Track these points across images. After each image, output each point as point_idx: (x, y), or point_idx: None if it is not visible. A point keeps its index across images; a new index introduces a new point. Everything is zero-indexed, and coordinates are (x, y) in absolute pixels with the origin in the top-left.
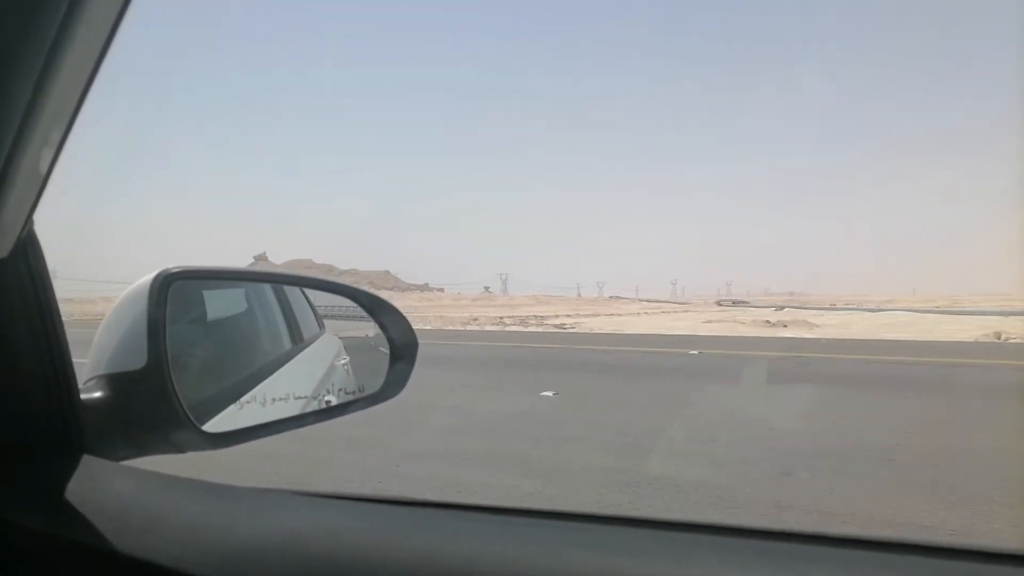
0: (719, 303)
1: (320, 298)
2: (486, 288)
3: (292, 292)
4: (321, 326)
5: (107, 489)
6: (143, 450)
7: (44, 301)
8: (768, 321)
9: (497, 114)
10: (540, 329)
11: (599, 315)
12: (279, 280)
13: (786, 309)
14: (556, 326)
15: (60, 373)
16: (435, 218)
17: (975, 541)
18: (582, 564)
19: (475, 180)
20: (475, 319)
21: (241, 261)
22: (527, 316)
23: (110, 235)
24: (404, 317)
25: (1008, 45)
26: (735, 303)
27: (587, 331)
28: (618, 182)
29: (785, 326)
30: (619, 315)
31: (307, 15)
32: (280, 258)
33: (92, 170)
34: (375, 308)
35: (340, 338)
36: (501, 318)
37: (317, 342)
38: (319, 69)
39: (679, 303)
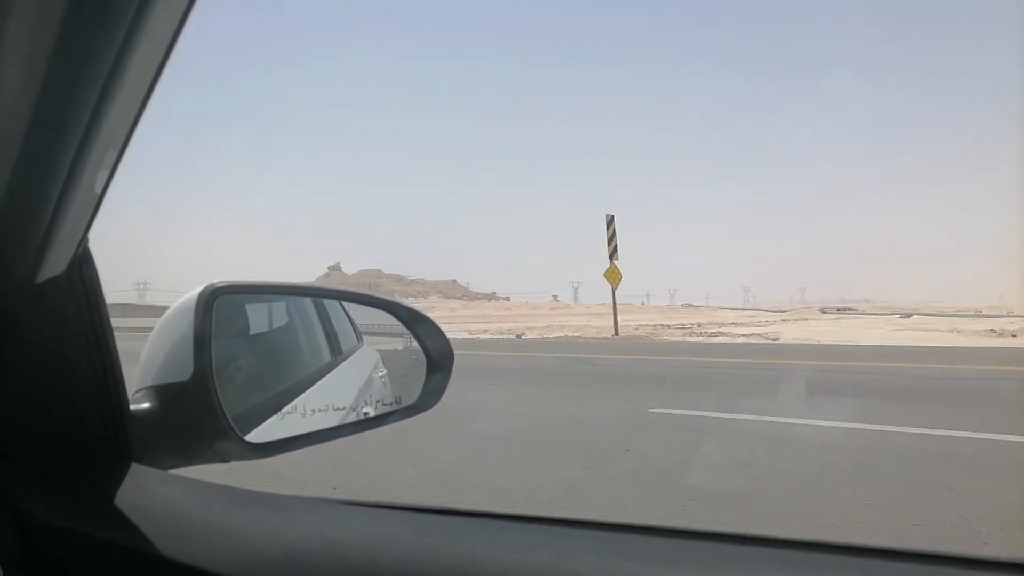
0: (823, 311)
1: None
2: (554, 296)
3: (332, 306)
4: (360, 339)
5: (154, 496)
6: (189, 459)
7: (97, 315)
8: (992, 330)
9: (553, 121)
10: (750, 341)
11: (767, 324)
12: (319, 294)
13: (914, 316)
14: (761, 336)
15: (111, 384)
16: (499, 227)
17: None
18: (618, 574)
19: (538, 188)
20: (637, 329)
21: (315, 271)
22: (673, 324)
23: (182, 248)
24: (441, 331)
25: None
26: (840, 310)
27: (814, 343)
28: (680, 186)
29: (1014, 336)
30: (774, 323)
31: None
32: (352, 268)
33: (156, 184)
34: (412, 321)
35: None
36: (678, 326)
37: (355, 355)
38: (379, 75)
39: (779, 311)
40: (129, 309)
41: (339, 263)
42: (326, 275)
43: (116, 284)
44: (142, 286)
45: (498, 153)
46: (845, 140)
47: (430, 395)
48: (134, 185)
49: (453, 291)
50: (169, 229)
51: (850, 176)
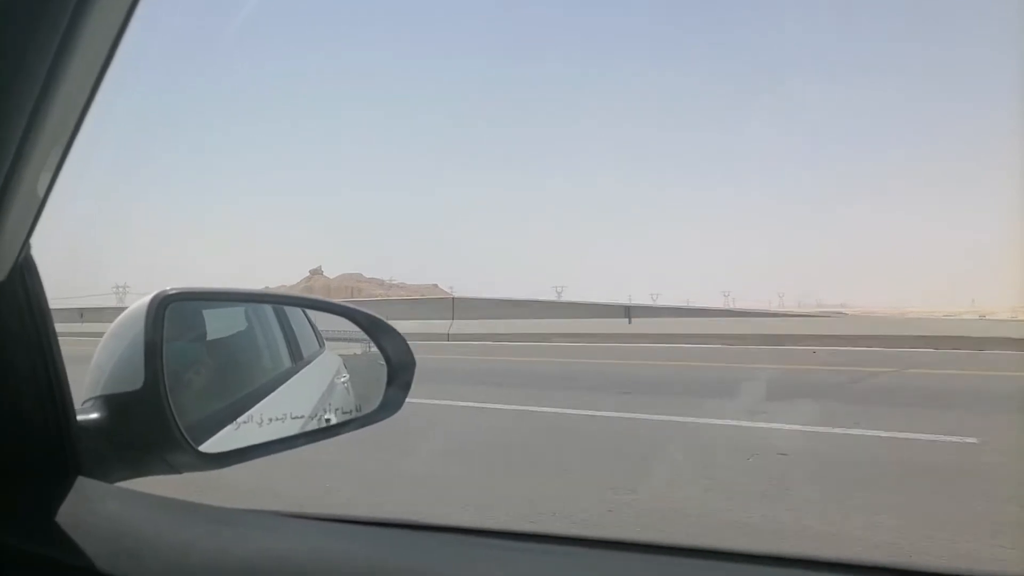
0: None
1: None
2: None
3: (293, 310)
4: (321, 344)
5: (100, 511)
6: (139, 471)
7: (41, 324)
8: None
9: (529, 126)
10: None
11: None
12: (276, 301)
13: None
14: None
15: (57, 395)
16: (478, 229)
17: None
18: None
19: (517, 192)
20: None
21: (297, 275)
22: None
23: (165, 253)
24: (402, 337)
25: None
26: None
27: None
28: (658, 189)
29: None
30: None
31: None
32: (332, 272)
33: (109, 187)
34: (373, 328)
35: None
36: None
37: (316, 360)
38: (358, 74)
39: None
40: (102, 313)
41: (320, 267)
42: (307, 279)
43: (96, 288)
44: (121, 289)
45: (476, 157)
46: (822, 145)
47: (391, 403)
48: (99, 187)
49: (434, 295)
50: (147, 233)
51: (828, 182)
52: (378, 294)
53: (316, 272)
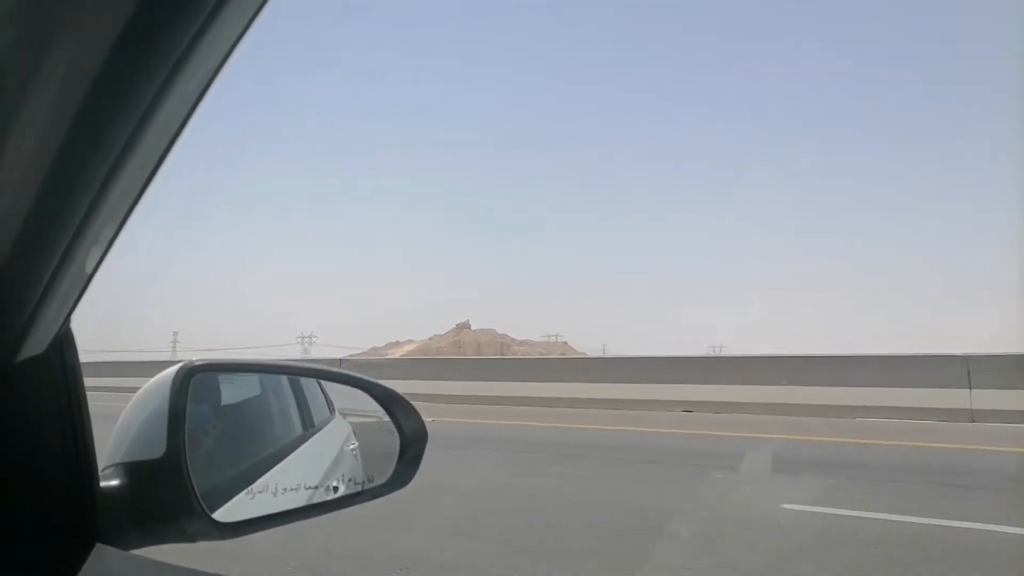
0: None
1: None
2: None
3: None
4: (332, 410)
5: None
6: (156, 539)
7: (74, 395)
8: None
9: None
10: None
11: None
12: (296, 372)
13: None
14: None
15: (83, 464)
16: (601, 288)
17: None
18: None
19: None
20: None
21: (445, 326)
22: None
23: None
24: (416, 411)
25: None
26: None
27: None
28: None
29: None
30: None
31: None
32: (474, 325)
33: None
34: (388, 401)
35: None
36: None
37: (327, 427)
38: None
39: None
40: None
41: (468, 321)
42: (455, 332)
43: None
44: (306, 339)
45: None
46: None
47: (403, 476)
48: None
49: (568, 354)
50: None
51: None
52: (519, 351)
53: (463, 326)
